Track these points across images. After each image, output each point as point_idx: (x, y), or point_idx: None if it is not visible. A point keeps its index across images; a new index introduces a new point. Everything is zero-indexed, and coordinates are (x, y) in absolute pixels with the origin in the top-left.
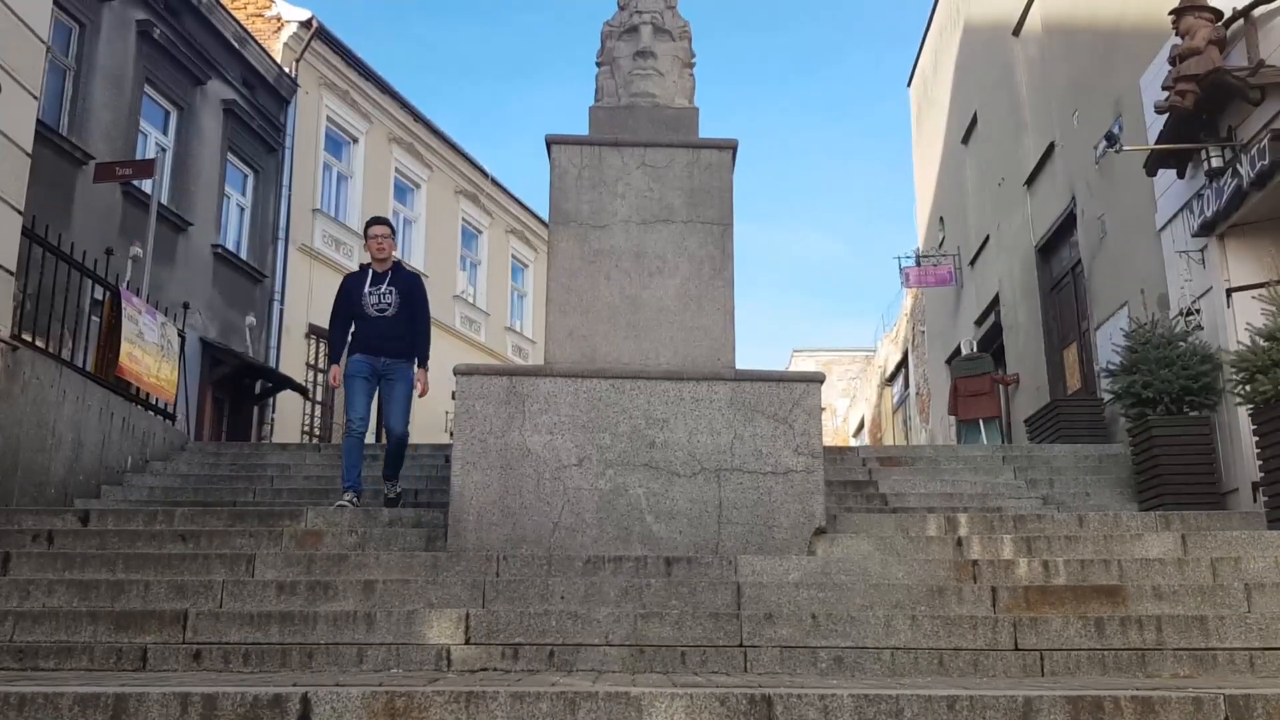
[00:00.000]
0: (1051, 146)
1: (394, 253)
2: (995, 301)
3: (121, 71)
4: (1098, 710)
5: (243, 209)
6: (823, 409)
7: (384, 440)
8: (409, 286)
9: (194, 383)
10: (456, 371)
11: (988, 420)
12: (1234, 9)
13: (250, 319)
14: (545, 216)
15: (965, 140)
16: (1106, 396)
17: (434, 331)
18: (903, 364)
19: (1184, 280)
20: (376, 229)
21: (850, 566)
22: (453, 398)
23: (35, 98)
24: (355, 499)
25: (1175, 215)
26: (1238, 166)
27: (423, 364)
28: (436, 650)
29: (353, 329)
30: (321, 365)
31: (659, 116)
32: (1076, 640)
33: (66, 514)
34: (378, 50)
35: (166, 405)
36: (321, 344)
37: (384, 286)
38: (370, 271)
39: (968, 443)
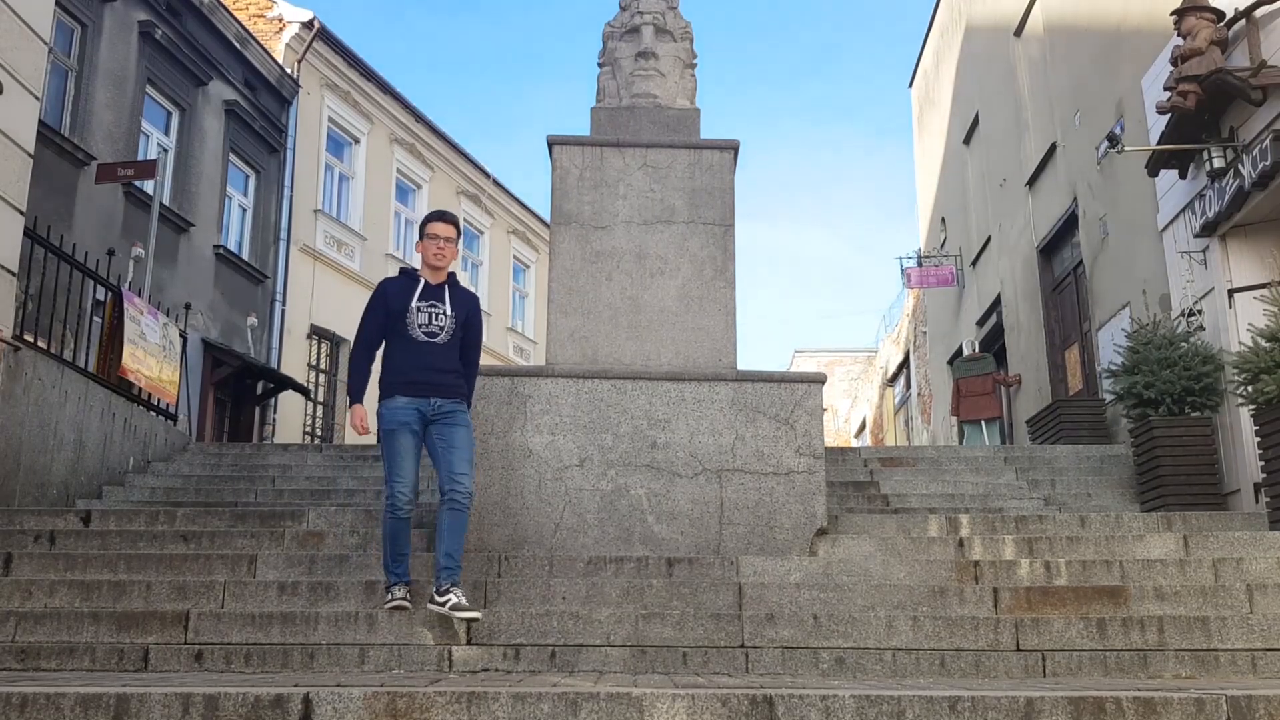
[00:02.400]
0: (1053, 147)
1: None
2: (997, 302)
3: (123, 72)
4: (1099, 711)
5: (244, 210)
6: (824, 410)
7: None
8: (470, 311)
9: (196, 383)
10: None
11: (989, 421)
12: (1235, 10)
13: (252, 319)
14: (547, 217)
15: (967, 141)
16: (1108, 397)
17: None
18: (904, 365)
19: (1186, 281)
20: (439, 227)
21: (852, 567)
22: None
23: (37, 98)
24: (409, 595)
25: (1177, 216)
26: (1239, 167)
27: (468, 406)
28: (438, 651)
29: (383, 356)
30: (324, 366)
31: (660, 117)
32: (1078, 641)
33: (68, 514)
34: (379, 48)
35: (168, 406)
36: (324, 344)
37: (440, 305)
38: (422, 282)
39: (969, 443)
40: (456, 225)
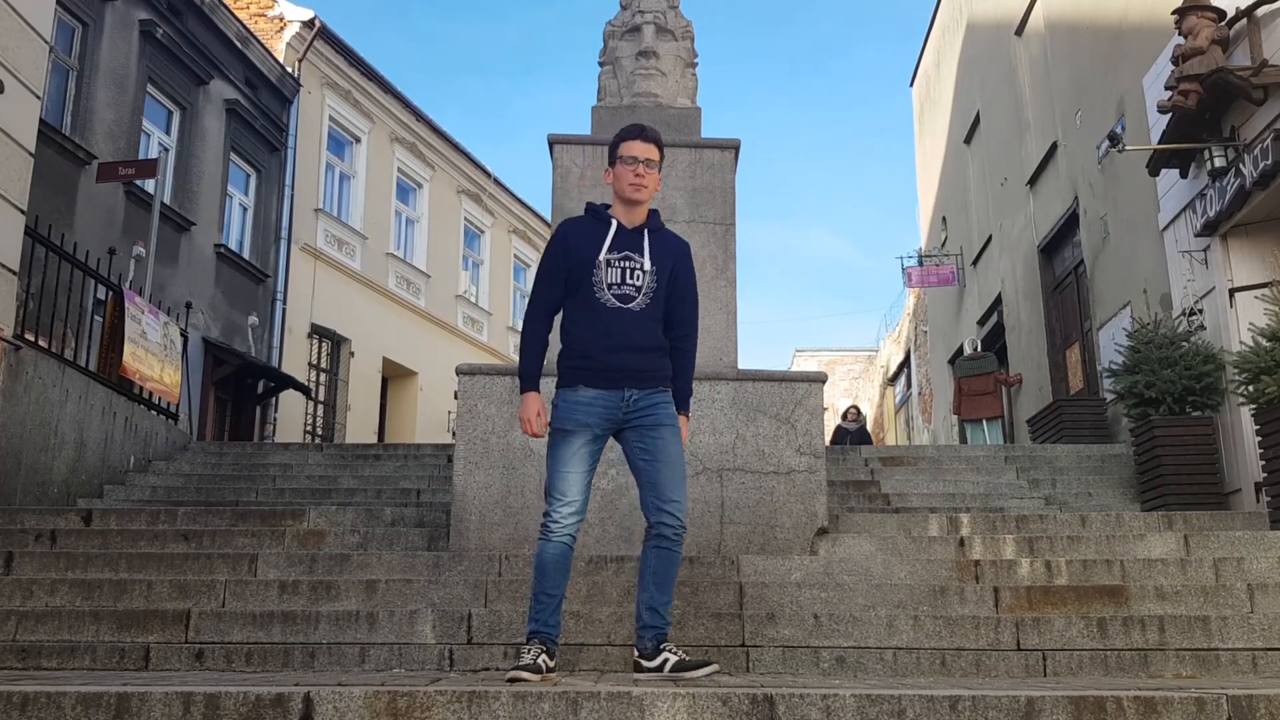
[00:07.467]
0: (1054, 146)
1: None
2: (998, 301)
3: (124, 71)
4: (1100, 710)
5: (245, 209)
6: (825, 409)
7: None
8: (677, 264)
9: (197, 382)
10: (459, 372)
11: (990, 420)
12: (1237, 9)
13: (253, 319)
14: (548, 216)
15: (968, 140)
16: (1109, 396)
17: (435, 332)
18: (905, 364)
19: (1187, 280)
20: (637, 146)
21: (853, 566)
22: (455, 398)
23: (38, 97)
24: (549, 658)
25: (1178, 215)
26: (1240, 166)
27: (682, 407)
28: (439, 650)
29: (561, 327)
30: (325, 365)
31: (661, 116)
32: (1079, 640)
33: (69, 513)
34: (380, 47)
35: (169, 405)
36: (324, 343)
37: (637, 257)
38: (614, 225)
39: (971, 443)
40: (660, 146)
